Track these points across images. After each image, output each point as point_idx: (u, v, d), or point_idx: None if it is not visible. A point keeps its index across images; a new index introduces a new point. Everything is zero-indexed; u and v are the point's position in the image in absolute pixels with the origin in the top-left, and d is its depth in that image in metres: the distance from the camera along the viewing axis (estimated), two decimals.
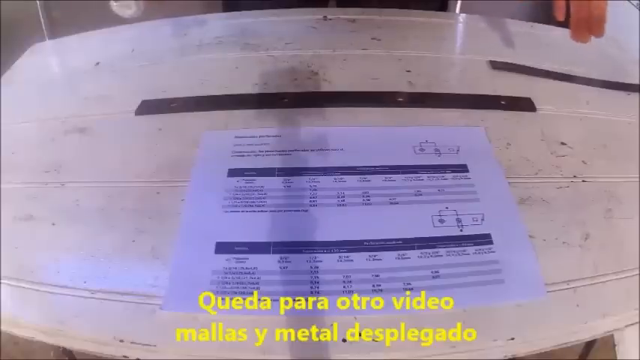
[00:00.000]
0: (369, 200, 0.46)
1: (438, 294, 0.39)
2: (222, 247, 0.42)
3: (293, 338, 0.37)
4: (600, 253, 0.42)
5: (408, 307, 0.38)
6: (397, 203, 0.46)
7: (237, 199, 0.46)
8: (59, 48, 0.74)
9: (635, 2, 1.05)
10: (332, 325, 0.37)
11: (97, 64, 0.66)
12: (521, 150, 0.51)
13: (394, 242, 0.43)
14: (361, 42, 0.67)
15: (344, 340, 0.37)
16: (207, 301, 0.39)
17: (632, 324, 0.39)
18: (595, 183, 0.48)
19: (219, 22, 0.73)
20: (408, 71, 0.62)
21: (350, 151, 0.51)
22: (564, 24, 0.57)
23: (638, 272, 0.41)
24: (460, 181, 0.48)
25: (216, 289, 0.40)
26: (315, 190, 0.47)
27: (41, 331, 0.38)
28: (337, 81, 0.60)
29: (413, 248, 0.42)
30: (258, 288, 0.40)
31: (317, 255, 0.42)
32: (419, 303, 0.39)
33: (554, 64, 0.63)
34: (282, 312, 0.38)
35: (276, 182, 0.48)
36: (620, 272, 0.41)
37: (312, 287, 0.40)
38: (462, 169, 0.49)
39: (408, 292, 0.39)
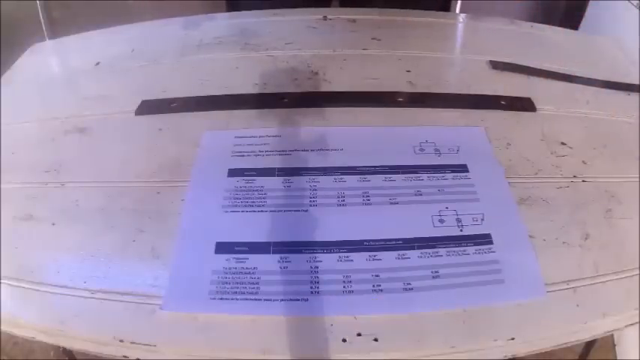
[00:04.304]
0: (369, 200, 0.46)
1: (438, 294, 0.39)
2: (222, 247, 0.42)
3: (293, 338, 0.37)
4: (600, 253, 0.42)
5: (408, 307, 0.38)
6: (397, 203, 0.46)
7: (237, 199, 0.46)
8: (59, 48, 0.74)
9: (635, 2, 1.05)
10: (332, 325, 0.37)
11: (97, 64, 0.66)
12: (521, 150, 0.51)
13: (394, 242, 0.43)
14: (361, 42, 0.67)
15: (344, 340, 0.37)
16: (207, 301, 0.39)
17: (632, 324, 0.39)
18: (595, 183, 0.48)
19: (219, 22, 0.73)
20: (408, 71, 0.62)
21: (350, 151, 0.51)
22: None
23: (638, 272, 0.41)
24: (460, 181, 0.48)
25: (216, 289, 0.40)
26: (315, 190, 0.47)
27: (41, 331, 0.38)
28: (337, 81, 0.60)
29: (413, 248, 0.42)
30: (258, 288, 0.40)
31: (317, 255, 0.42)
32: (419, 303, 0.39)
33: (554, 64, 0.63)
34: (282, 312, 0.38)
35: (276, 182, 0.48)
36: (620, 272, 0.41)
37: (312, 287, 0.40)
38: (462, 169, 0.49)
39: (408, 292, 0.39)
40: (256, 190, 0.47)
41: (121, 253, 0.43)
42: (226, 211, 0.45)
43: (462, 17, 0.78)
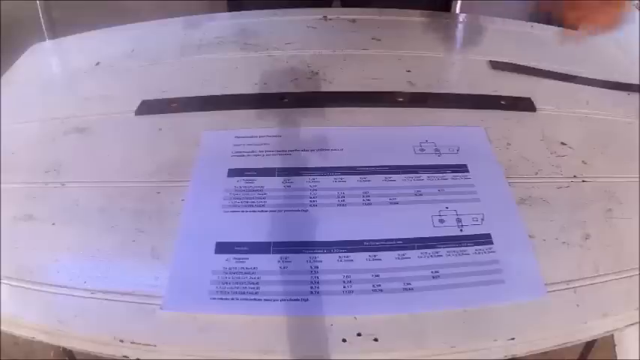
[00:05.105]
0: (369, 200, 0.46)
1: (438, 294, 0.39)
2: (222, 247, 0.42)
3: (293, 338, 0.37)
4: (600, 253, 0.42)
5: (408, 307, 0.38)
6: (397, 203, 0.46)
7: (237, 199, 0.46)
8: (59, 48, 0.74)
9: (635, 2, 1.05)
10: (332, 325, 0.37)
11: (97, 64, 0.66)
12: (521, 150, 0.51)
13: (394, 242, 0.43)
14: (361, 42, 0.67)
15: (344, 340, 0.37)
16: (207, 301, 0.39)
17: (632, 324, 0.39)
18: (595, 183, 0.48)
19: (220, 22, 0.73)
20: (408, 71, 0.62)
21: (350, 151, 0.51)
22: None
23: (638, 272, 0.41)
24: (460, 181, 0.48)
25: (216, 289, 0.40)
26: (315, 190, 0.47)
27: (41, 331, 0.38)
28: (337, 81, 0.60)
29: (413, 248, 0.42)
30: (258, 288, 0.40)
31: (317, 255, 0.42)
32: (419, 303, 0.39)
33: (554, 64, 0.63)
34: (282, 312, 0.38)
35: (276, 182, 0.48)
36: (620, 272, 0.41)
37: (312, 287, 0.40)
38: (462, 169, 0.49)
39: (408, 292, 0.39)
40: (256, 190, 0.47)
41: (121, 253, 0.43)
42: (226, 211, 0.45)
43: (462, 17, 0.78)
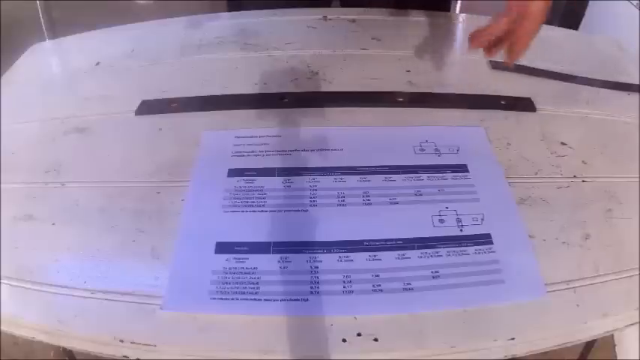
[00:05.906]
0: (369, 200, 0.46)
1: (438, 294, 0.39)
2: (222, 247, 0.42)
3: (293, 338, 0.37)
4: (600, 253, 0.42)
5: (408, 307, 0.38)
6: (397, 203, 0.46)
7: (237, 199, 0.46)
8: (59, 48, 0.74)
9: (635, 2, 1.05)
10: (332, 325, 0.37)
11: (97, 64, 0.66)
12: (521, 150, 0.51)
13: (394, 242, 0.43)
14: (361, 42, 0.67)
15: (344, 340, 0.37)
16: (207, 301, 0.39)
17: (632, 324, 0.39)
18: (595, 183, 0.48)
19: (220, 22, 0.73)
20: (408, 71, 0.62)
21: (350, 151, 0.51)
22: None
23: (638, 272, 0.41)
24: (460, 181, 0.48)
25: (216, 289, 0.40)
26: (315, 190, 0.47)
27: (41, 331, 0.38)
28: (337, 81, 0.60)
29: (413, 248, 0.42)
30: (258, 288, 0.40)
31: (317, 255, 0.42)
32: (419, 303, 0.39)
33: (554, 64, 0.63)
34: (282, 312, 0.38)
35: (276, 182, 0.48)
36: (620, 272, 0.41)
37: (312, 287, 0.40)
38: (462, 169, 0.49)
39: (408, 292, 0.39)
40: (256, 190, 0.47)
41: (121, 253, 0.43)
42: (226, 211, 0.45)
43: (462, 17, 0.78)
